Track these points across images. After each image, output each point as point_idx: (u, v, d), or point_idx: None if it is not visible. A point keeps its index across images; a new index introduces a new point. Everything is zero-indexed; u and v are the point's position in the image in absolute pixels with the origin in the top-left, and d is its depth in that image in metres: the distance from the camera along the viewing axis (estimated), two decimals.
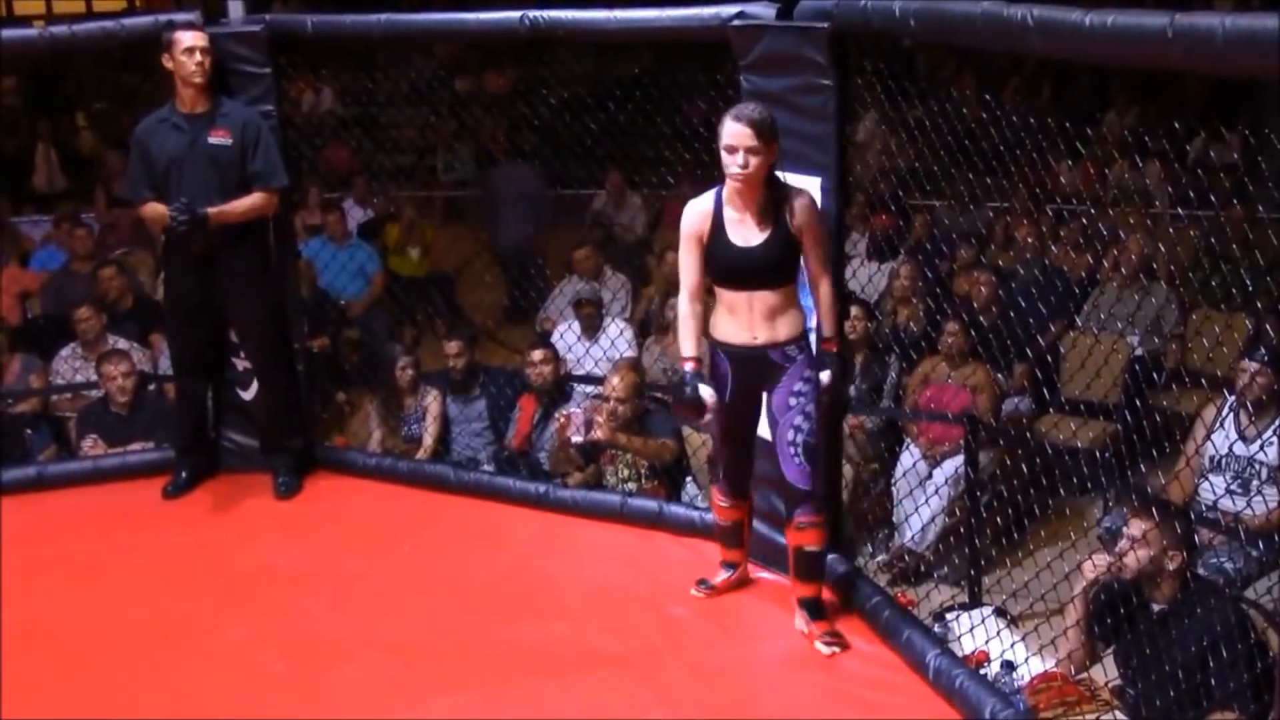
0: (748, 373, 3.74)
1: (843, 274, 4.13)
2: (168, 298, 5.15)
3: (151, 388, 5.86)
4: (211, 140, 4.71)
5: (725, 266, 3.73)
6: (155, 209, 4.74)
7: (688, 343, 3.79)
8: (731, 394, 3.76)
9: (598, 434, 5.08)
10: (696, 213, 3.77)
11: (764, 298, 3.69)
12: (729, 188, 3.70)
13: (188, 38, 4.66)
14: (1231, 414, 4.56)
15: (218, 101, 4.77)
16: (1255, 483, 4.45)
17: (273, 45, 4.97)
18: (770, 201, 3.65)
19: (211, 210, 4.66)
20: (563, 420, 5.20)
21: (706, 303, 3.83)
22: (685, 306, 3.81)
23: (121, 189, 9.61)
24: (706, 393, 3.72)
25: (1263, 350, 4.44)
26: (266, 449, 5.12)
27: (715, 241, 3.71)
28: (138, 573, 4.45)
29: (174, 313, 5.07)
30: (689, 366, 3.75)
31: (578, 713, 3.57)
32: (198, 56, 4.65)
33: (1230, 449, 4.55)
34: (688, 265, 3.81)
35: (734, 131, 3.59)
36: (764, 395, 3.76)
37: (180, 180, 4.69)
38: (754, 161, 3.57)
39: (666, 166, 6.13)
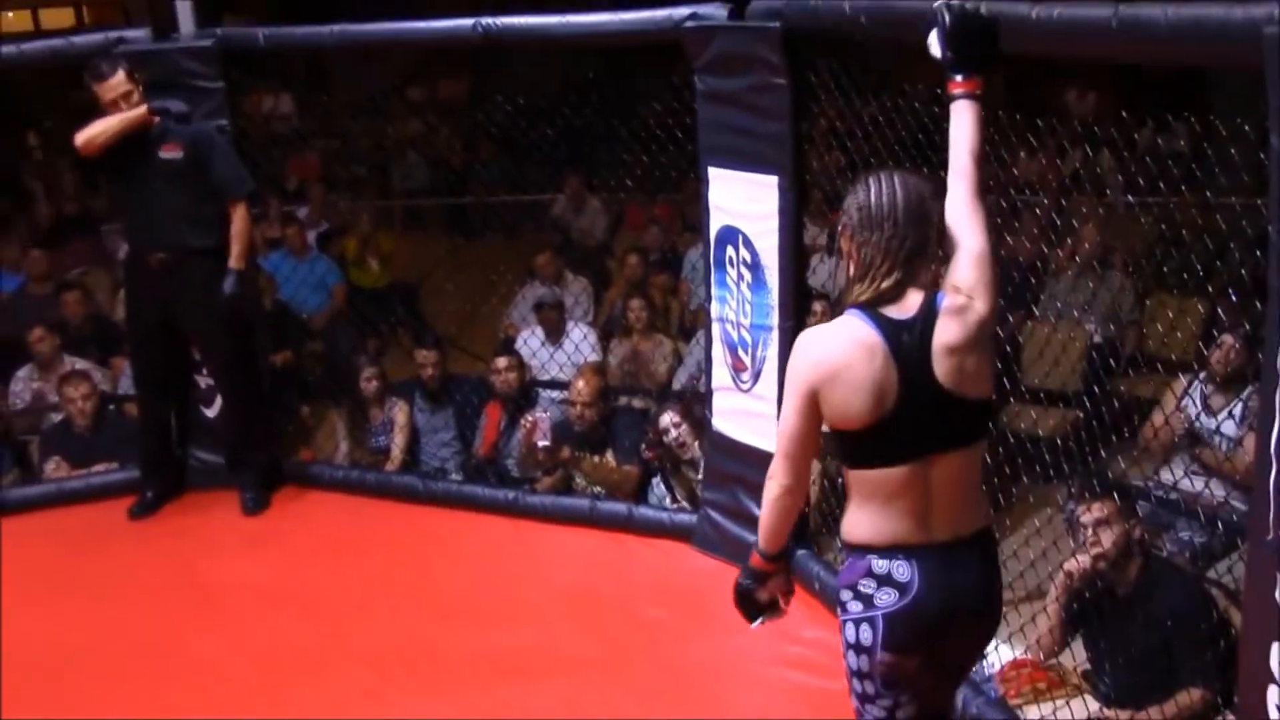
0: None
1: (804, 270, 4.16)
2: (129, 316, 5.12)
3: (112, 408, 5.82)
4: (162, 155, 4.70)
5: None
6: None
7: None
8: None
9: (564, 455, 5.08)
10: None
11: None
12: None
13: (106, 90, 4.63)
14: (1199, 388, 4.60)
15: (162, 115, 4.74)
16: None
17: (225, 59, 4.96)
18: None
19: (233, 263, 4.76)
20: (529, 425, 5.20)
21: None
22: None
23: (74, 208, 9.55)
24: None
25: (1246, 326, 4.48)
26: (232, 465, 5.10)
27: None
28: (106, 592, 4.43)
29: (135, 331, 5.04)
30: None
31: (552, 716, 3.57)
32: (123, 105, 4.63)
33: (1193, 424, 4.60)
34: None
35: None
36: None
37: (137, 199, 4.69)
38: None
39: (625, 169, 6.14)
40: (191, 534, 4.88)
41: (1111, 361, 5.81)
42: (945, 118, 2.52)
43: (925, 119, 4.18)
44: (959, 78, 2.48)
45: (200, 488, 5.16)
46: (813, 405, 2.36)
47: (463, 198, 10.12)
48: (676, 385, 5.96)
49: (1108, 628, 3.57)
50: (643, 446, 4.94)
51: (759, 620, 2.71)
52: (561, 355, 6.06)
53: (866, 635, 2.41)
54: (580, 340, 6.18)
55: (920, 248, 2.34)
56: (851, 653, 2.45)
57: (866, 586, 2.40)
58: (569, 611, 4.16)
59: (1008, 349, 6.00)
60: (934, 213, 2.37)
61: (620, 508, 4.76)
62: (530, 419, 5.20)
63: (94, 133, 4.64)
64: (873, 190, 2.36)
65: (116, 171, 4.72)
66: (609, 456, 5.15)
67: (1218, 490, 4.24)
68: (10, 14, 15.22)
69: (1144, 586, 3.52)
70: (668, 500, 4.98)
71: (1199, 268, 4.80)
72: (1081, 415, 5.15)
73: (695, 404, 4.80)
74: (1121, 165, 6.34)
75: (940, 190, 2.42)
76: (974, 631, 2.50)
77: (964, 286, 2.34)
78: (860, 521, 2.42)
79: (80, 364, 6.12)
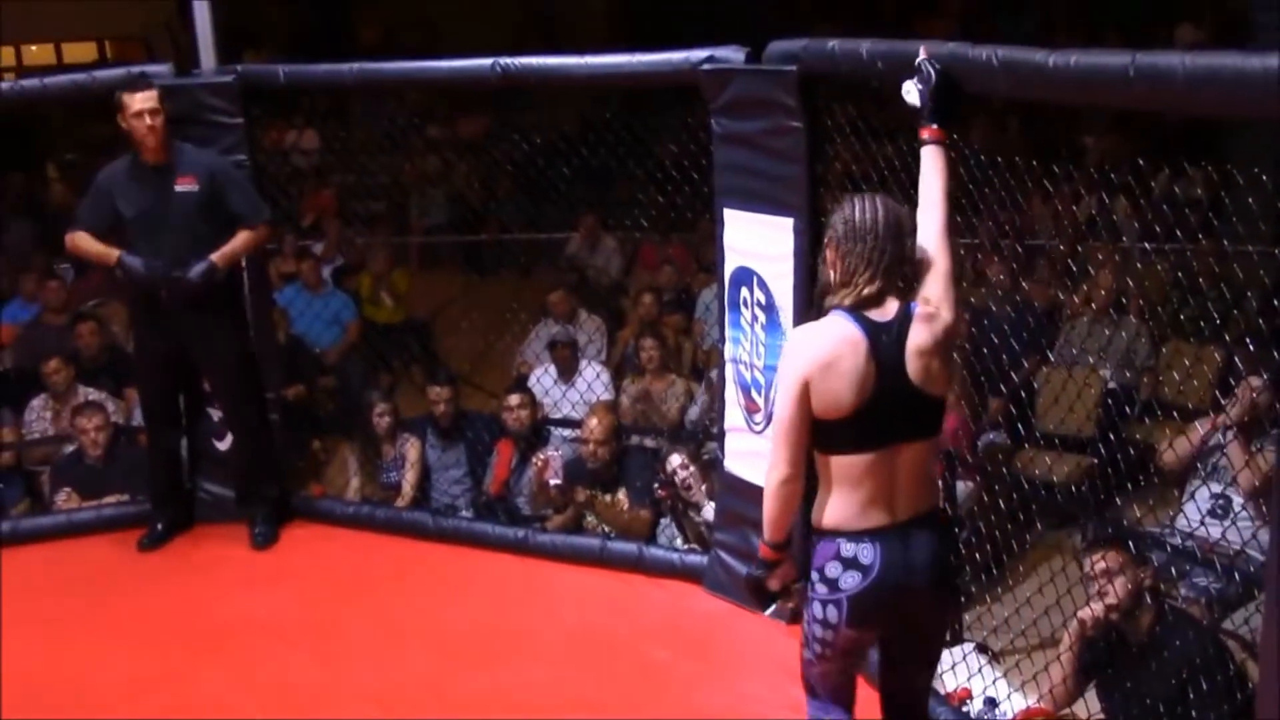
0: None
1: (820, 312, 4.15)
2: (137, 347, 5.13)
3: (124, 439, 5.82)
4: (178, 189, 4.70)
5: None
6: (89, 243, 4.74)
7: None
8: None
9: (579, 496, 5.07)
10: None
11: None
12: None
13: (135, 101, 4.63)
14: (1218, 434, 4.57)
15: (177, 149, 4.75)
16: (1236, 503, 4.46)
17: (245, 95, 5.00)
18: None
19: (215, 257, 4.67)
20: (540, 463, 5.19)
21: None
22: None
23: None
24: None
25: (1263, 374, 4.46)
26: (242, 499, 5.09)
27: None
28: (114, 625, 4.41)
29: (144, 362, 5.05)
30: None
31: None
32: (147, 120, 4.63)
33: (1213, 467, 4.56)
34: None
35: None
36: None
37: (153, 232, 4.69)
38: None
39: (640, 209, 6.16)
40: (201, 568, 4.87)
41: (1127, 408, 5.79)
42: (958, 159, 2.62)
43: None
44: (934, 126, 2.89)
45: (210, 521, 5.16)
46: (806, 395, 2.63)
47: (478, 235, 10.16)
48: (689, 426, 5.95)
49: (1122, 678, 3.53)
50: (655, 486, 4.92)
51: (771, 608, 2.93)
52: (574, 394, 6.06)
53: (833, 614, 2.69)
54: (593, 379, 6.18)
55: (897, 260, 2.66)
56: (817, 626, 2.73)
57: (833, 570, 2.67)
58: (577, 652, 4.14)
59: (1022, 394, 6.01)
60: (908, 231, 2.71)
61: (630, 548, 4.74)
62: (542, 457, 5.20)
63: (81, 246, 4.77)
64: (857, 208, 2.68)
65: (130, 205, 4.72)
66: (621, 495, 5.13)
67: (1234, 537, 4.20)
68: (34, 47, 15.40)
69: (1158, 636, 3.48)
70: (678, 541, 4.96)
71: (1215, 315, 4.78)
72: (1096, 461, 5.13)
73: (704, 446, 4.79)
74: (1138, 211, 6.36)
75: (912, 213, 2.77)
76: (930, 601, 2.74)
77: (933, 299, 2.69)
78: (833, 507, 2.68)
79: (94, 395, 6.14)
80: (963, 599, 4.90)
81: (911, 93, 2.97)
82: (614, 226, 8.80)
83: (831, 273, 2.70)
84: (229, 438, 5.08)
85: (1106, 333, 6.13)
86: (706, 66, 4.18)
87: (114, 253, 4.70)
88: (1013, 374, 6.04)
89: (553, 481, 5.09)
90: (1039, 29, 12.03)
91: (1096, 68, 2.69)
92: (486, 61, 4.61)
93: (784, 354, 2.72)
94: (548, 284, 7.94)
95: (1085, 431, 5.78)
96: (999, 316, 6.46)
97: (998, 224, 6.53)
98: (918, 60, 2.98)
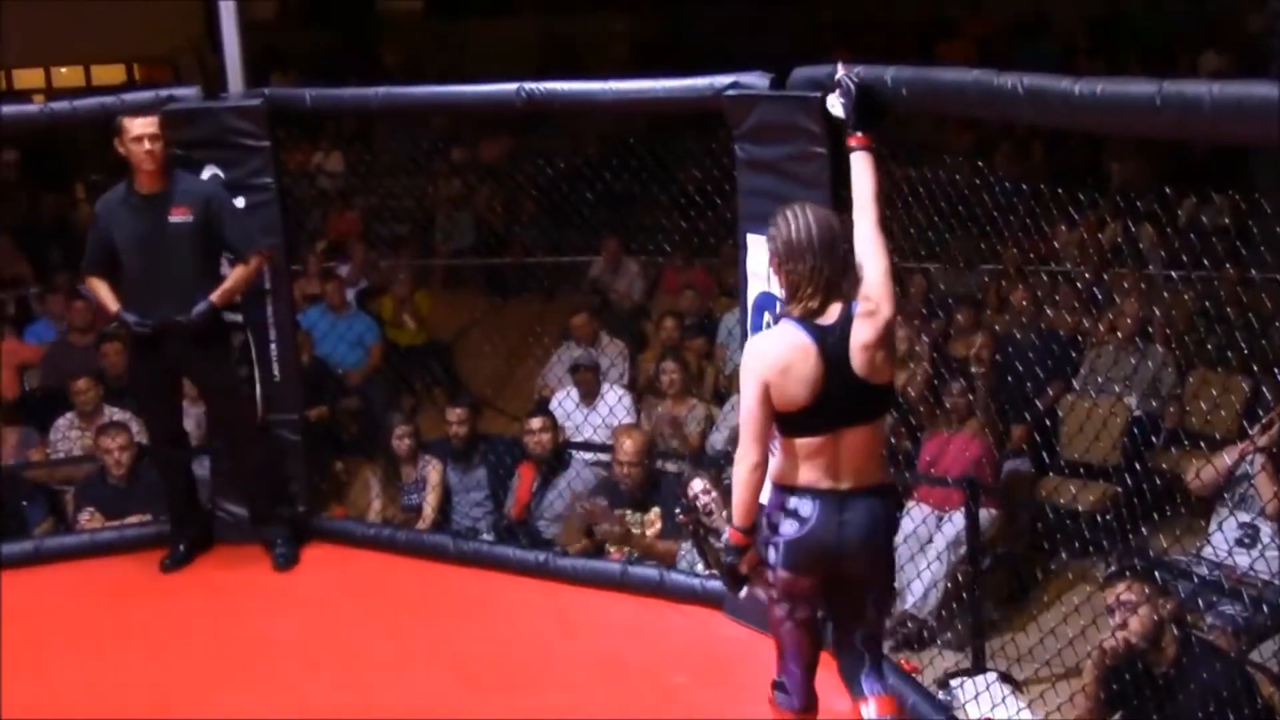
0: None
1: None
2: (132, 374, 5.18)
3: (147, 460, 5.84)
4: (173, 219, 4.68)
5: None
6: (99, 289, 4.80)
7: None
8: None
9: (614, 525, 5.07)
10: None
11: None
12: None
13: (135, 126, 4.64)
14: (1246, 463, 4.53)
15: (174, 178, 4.74)
16: (1265, 532, 4.42)
17: (272, 118, 5.02)
18: None
19: (214, 296, 4.69)
20: (589, 508, 5.16)
21: None
22: None
23: None
24: None
25: None
26: (256, 520, 5.09)
27: None
28: (136, 646, 4.42)
29: (142, 389, 5.09)
30: None
31: None
32: (146, 145, 4.62)
33: (1240, 496, 4.53)
34: None
35: None
36: None
37: (145, 263, 4.69)
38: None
39: (663, 234, 6.17)
40: (222, 589, 4.87)
41: (1153, 437, 5.75)
42: (982, 185, 2.63)
43: (964, 187, 4.20)
44: (859, 134, 3.19)
45: (232, 541, 5.16)
46: (767, 394, 2.96)
47: (501, 258, 10.20)
48: (711, 451, 5.93)
49: (1147, 709, 3.50)
50: (676, 511, 4.91)
51: (744, 590, 3.16)
52: (595, 417, 6.05)
53: (771, 555, 3.05)
54: (615, 403, 6.17)
55: (836, 273, 2.97)
56: (773, 571, 3.06)
57: (776, 517, 3.04)
58: (598, 678, 4.12)
59: (1046, 421, 5.98)
60: (841, 238, 2.99)
61: (652, 573, 4.73)
62: (588, 504, 5.17)
63: (93, 291, 4.85)
64: (792, 225, 2.98)
65: (124, 234, 4.71)
66: (653, 515, 5.12)
67: (1261, 567, 4.16)
68: (64, 69, 15.58)
69: (1184, 667, 3.45)
70: (699, 566, 4.94)
71: (1242, 343, 4.75)
72: (1121, 490, 5.09)
73: (725, 471, 4.76)
74: (1163, 238, 6.34)
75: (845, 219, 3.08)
76: (861, 560, 3.03)
77: (873, 297, 2.97)
78: (786, 468, 3.03)
79: (119, 415, 6.17)
80: (985, 628, 4.88)
81: (836, 106, 3.35)
82: (637, 250, 8.83)
83: (781, 287, 3.03)
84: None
85: (1132, 361, 6.09)
86: (731, 92, 4.18)
87: (113, 307, 4.76)
88: (1036, 401, 6.02)
89: (603, 527, 5.08)
90: (1059, 55, 12.02)
91: (1123, 96, 2.69)
92: (511, 87, 4.63)
93: (745, 361, 3.01)
94: (570, 307, 7.96)
95: (1110, 460, 5.75)
96: (1023, 344, 6.45)
97: (1021, 250, 6.52)
98: (837, 76, 3.36)
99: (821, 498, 2.99)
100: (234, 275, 4.78)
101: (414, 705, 3.98)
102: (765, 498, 3.07)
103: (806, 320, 2.95)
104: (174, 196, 4.71)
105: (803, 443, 2.99)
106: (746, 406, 2.98)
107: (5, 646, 4.32)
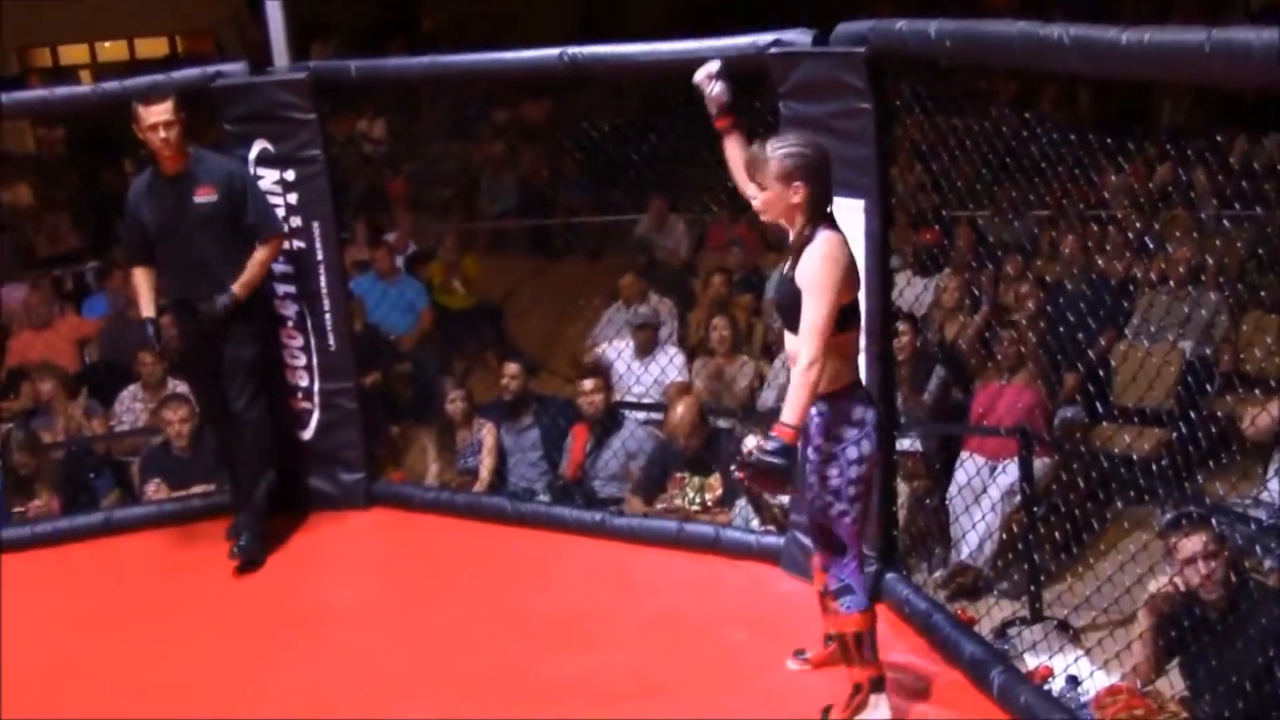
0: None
1: (890, 291, 4.16)
2: (179, 355, 5.26)
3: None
4: (198, 199, 4.71)
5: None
6: (140, 283, 4.88)
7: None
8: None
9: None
10: None
11: (789, 340, 3.36)
12: None
13: (150, 114, 4.63)
14: None
15: (196, 158, 4.76)
16: None
17: (317, 91, 5.06)
18: (801, 241, 3.27)
19: (236, 288, 4.72)
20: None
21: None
22: None
23: None
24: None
25: None
26: (236, 505, 5.02)
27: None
28: (201, 614, 4.53)
29: (187, 367, 5.19)
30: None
31: None
32: (161, 133, 4.62)
33: None
34: None
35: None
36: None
37: (175, 245, 4.74)
38: (762, 198, 3.31)
39: (708, 191, 6.16)
40: (283, 556, 4.97)
41: (1207, 383, 5.71)
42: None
43: (1011, 140, 4.17)
44: (731, 115, 3.69)
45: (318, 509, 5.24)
46: (841, 293, 3.16)
47: (547, 219, 10.22)
48: (762, 408, 5.97)
49: (1205, 654, 3.51)
50: (732, 468, 4.95)
51: (786, 495, 3.41)
52: (648, 376, 6.10)
53: (866, 447, 3.27)
54: (667, 363, 6.21)
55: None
56: (854, 467, 3.27)
57: (858, 413, 3.27)
58: (656, 635, 4.18)
59: (1098, 369, 5.96)
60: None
61: (707, 529, 4.78)
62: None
63: (136, 284, 4.96)
64: (804, 148, 3.25)
65: (152, 217, 4.75)
66: (714, 479, 5.17)
67: None
68: (108, 44, 15.72)
69: (1241, 612, 3.46)
70: (754, 522, 4.99)
71: None
72: (1176, 436, 5.08)
73: None
74: (1214, 181, 6.25)
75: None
76: None
77: None
78: (845, 371, 3.28)
79: (180, 387, 6.29)
80: (1041, 577, 4.90)
81: (714, 90, 3.73)
82: (682, 209, 8.82)
83: (806, 203, 3.21)
84: (314, 425, 5.16)
85: (1185, 307, 6.04)
86: (774, 50, 4.17)
87: (145, 311, 4.86)
88: (1088, 350, 5.99)
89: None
90: (1104, 1, 11.78)
91: (1171, 44, 2.66)
92: (554, 51, 4.64)
93: (826, 261, 3.16)
94: (617, 266, 7.99)
95: (1165, 406, 5.72)
96: (1073, 292, 6.41)
97: (1069, 197, 6.46)
98: (716, 68, 3.75)
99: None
100: (253, 263, 4.78)
101: (476, 665, 4.05)
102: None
103: (836, 226, 3.25)
104: (198, 177, 4.73)
105: (854, 339, 3.29)
106: (825, 307, 3.12)
107: (81, 616, 4.47)
